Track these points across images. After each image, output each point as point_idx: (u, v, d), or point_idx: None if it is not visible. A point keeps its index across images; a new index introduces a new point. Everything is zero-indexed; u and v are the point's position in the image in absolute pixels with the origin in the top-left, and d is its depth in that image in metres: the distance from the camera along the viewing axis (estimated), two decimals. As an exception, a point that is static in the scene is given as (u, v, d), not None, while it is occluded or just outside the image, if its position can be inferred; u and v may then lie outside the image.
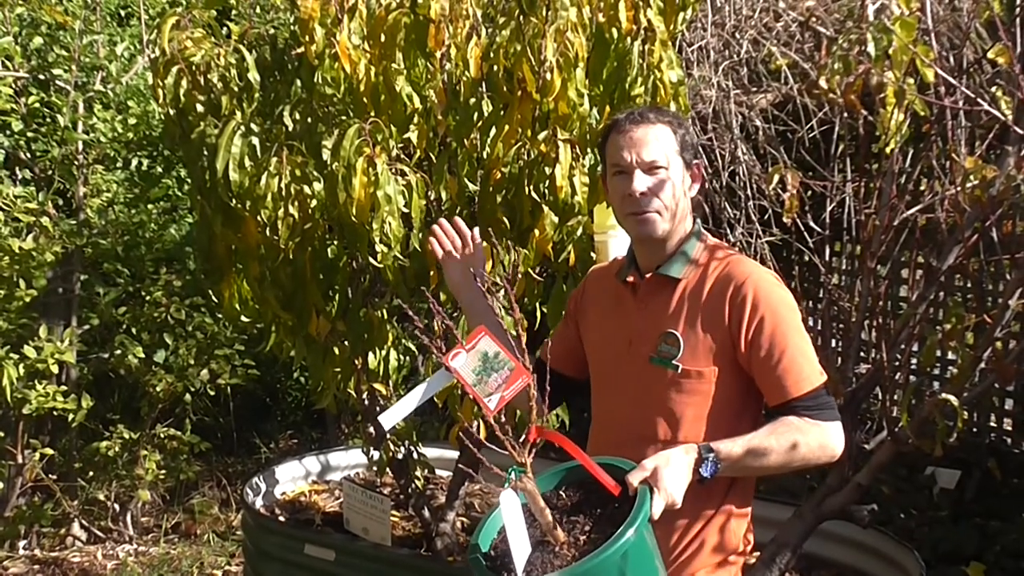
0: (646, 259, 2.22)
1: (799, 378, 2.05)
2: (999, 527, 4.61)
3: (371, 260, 2.83)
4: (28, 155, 5.24)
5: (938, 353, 4.28)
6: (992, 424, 5.55)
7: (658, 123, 2.16)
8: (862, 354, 4.31)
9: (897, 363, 3.29)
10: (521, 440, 1.82)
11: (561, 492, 1.99)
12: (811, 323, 6.26)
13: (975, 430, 5.38)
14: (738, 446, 1.99)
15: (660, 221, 2.15)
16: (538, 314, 3.19)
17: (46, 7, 5.04)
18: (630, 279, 2.24)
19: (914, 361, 4.48)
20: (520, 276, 3.02)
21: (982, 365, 2.82)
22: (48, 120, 5.22)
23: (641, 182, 2.13)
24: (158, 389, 5.04)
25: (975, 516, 4.78)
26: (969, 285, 5.26)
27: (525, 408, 1.90)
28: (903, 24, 2.64)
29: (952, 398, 2.57)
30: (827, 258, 3.90)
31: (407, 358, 3.40)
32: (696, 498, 2.05)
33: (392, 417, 2.07)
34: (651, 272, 2.20)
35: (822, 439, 2.04)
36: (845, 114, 3.80)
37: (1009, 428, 5.51)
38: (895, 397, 3.27)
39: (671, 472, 1.86)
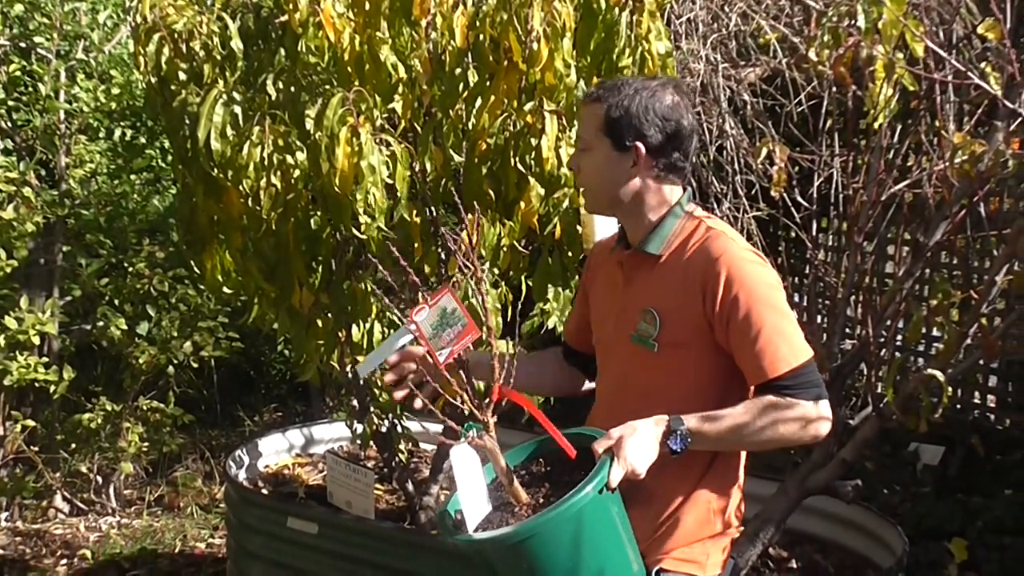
0: (630, 234, 2.21)
1: (775, 358, 2.01)
2: (982, 503, 4.63)
3: (355, 231, 2.81)
4: (9, 124, 5.18)
5: (923, 329, 4.28)
6: (976, 401, 5.58)
7: (594, 102, 2.14)
8: (848, 330, 4.31)
9: (883, 339, 3.28)
10: (485, 401, 1.84)
11: (532, 465, 2.00)
12: (797, 299, 6.28)
13: (959, 407, 5.40)
14: (710, 421, 1.98)
15: (589, 198, 2.20)
16: (523, 287, 3.17)
17: (27, -26, 4.98)
18: (618, 256, 2.22)
19: (900, 337, 4.48)
20: (505, 249, 3.00)
21: (968, 341, 2.81)
22: (30, 89, 5.16)
23: (572, 158, 2.22)
24: (141, 361, 5.00)
25: (958, 492, 4.80)
26: (956, 261, 5.27)
27: (488, 378, 1.94)
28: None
29: (938, 374, 2.57)
30: (814, 234, 3.88)
31: (392, 330, 3.38)
32: (674, 474, 2.05)
33: (366, 367, 2.20)
34: (635, 248, 2.18)
35: (803, 417, 2.00)
36: (833, 88, 3.77)
37: (992, 405, 5.53)
38: (880, 373, 3.26)
39: (635, 442, 1.87)
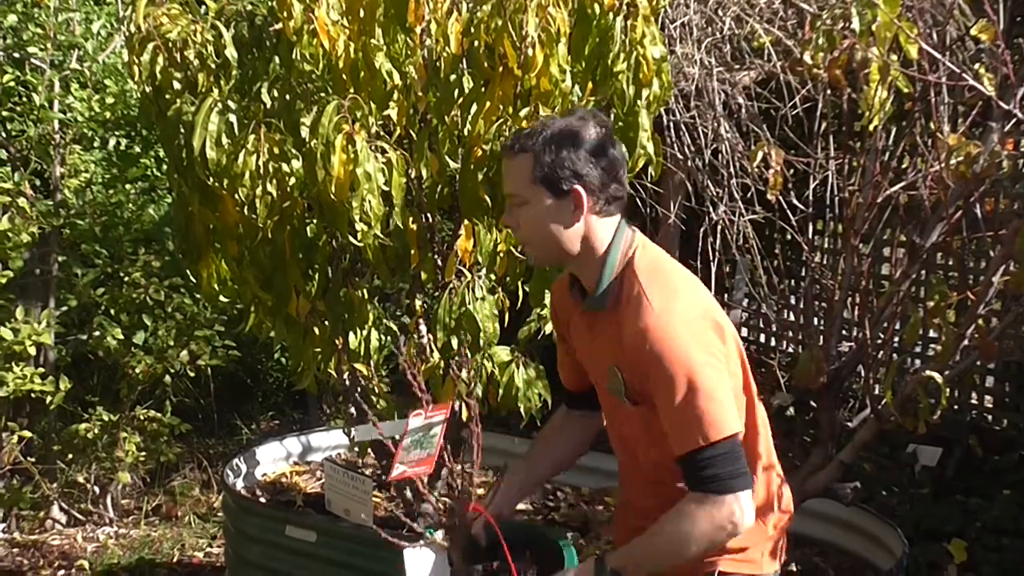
0: (582, 281, 2.15)
1: (680, 437, 1.93)
2: (980, 504, 4.63)
3: (351, 239, 2.80)
4: (4, 135, 5.18)
5: (921, 331, 4.29)
6: (973, 401, 5.58)
7: (518, 153, 2.06)
8: (845, 332, 4.31)
9: (880, 341, 3.28)
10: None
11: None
12: (793, 301, 6.29)
13: (956, 408, 5.40)
14: (626, 555, 1.99)
15: (536, 252, 2.13)
16: (520, 293, 3.17)
17: (20, -16, 4.98)
18: (577, 306, 2.18)
19: (897, 339, 4.49)
20: (502, 255, 3.00)
21: (965, 343, 2.82)
22: (24, 99, 5.15)
23: (508, 216, 2.13)
24: (137, 371, 4.99)
25: (956, 493, 4.80)
26: (952, 263, 5.28)
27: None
28: (887, 1, 2.63)
29: (936, 375, 2.57)
30: (810, 236, 3.89)
31: (388, 338, 3.38)
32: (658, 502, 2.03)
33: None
34: (584, 303, 2.14)
35: (713, 522, 1.91)
36: (828, 91, 3.77)
37: (990, 406, 5.54)
38: (878, 375, 3.27)
39: None
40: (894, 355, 4.30)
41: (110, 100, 5.21)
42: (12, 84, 5.09)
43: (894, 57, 2.74)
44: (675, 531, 1.95)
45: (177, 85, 3.00)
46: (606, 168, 2.05)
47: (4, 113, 5.13)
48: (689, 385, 1.91)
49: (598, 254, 2.08)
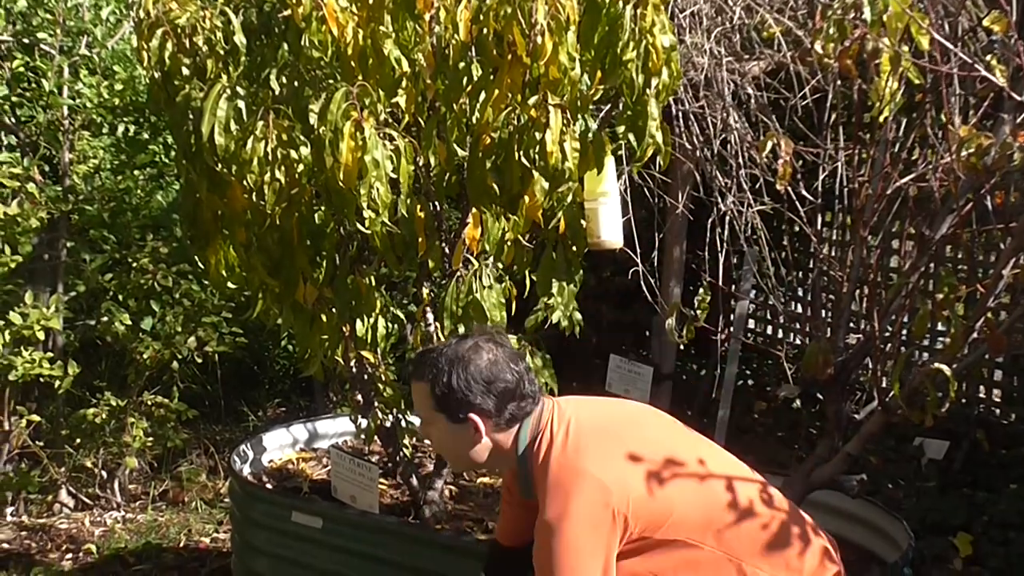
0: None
1: None
2: (987, 498, 4.63)
3: (359, 226, 2.80)
4: (13, 120, 5.18)
5: (929, 324, 4.28)
6: (981, 395, 5.57)
7: (420, 380, 2.23)
8: (852, 324, 4.30)
9: (888, 333, 3.27)
10: None
11: None
12: (801, 294, 6.28)
13: (964, 401, 5.39)
14: None
15: (450, 462, 2.50)
16: (527, 282, 3.16)
17: (30, -31, 4.97)
18: None
19: (905, 332, 4.47)
20: (509, 244, 2.99)
21: (974, 336, 2.80)
22: (33, 85, 5.15)
23: (421, 428, 2.35)
24: (145, 356, 5.00)
25: (963, 487, 4.80)
26: (961, 255, 5.26)
27: None
28: (899, -11, 2.61)
29: (945, 368, 2.56)
30: (818, 228, 3.87)
31: (395, 326, 3.38)
32: None
33: None
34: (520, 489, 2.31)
35: None
36: (838, 82, 3.76)
37: (997, 399, 5.52)
38: (885, 367, 3.26)
39: None
40: (902, 348, 4.29)
41: (119, 86, 5.21)
42: (22, 70, 5.09)
43: (905, 48, 2.73)
44: None
45: (186, 71, 3.00)
46: (500, 394, 2.19)
47: (14, 99, 5.13)
48: (552, 552, 2.03)
49: (512, 457, 2.24)
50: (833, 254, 5.70)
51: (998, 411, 5.47)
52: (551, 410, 2.25)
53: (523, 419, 2.23)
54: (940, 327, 5.21)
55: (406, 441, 3.53)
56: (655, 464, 2.12)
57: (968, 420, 5.15)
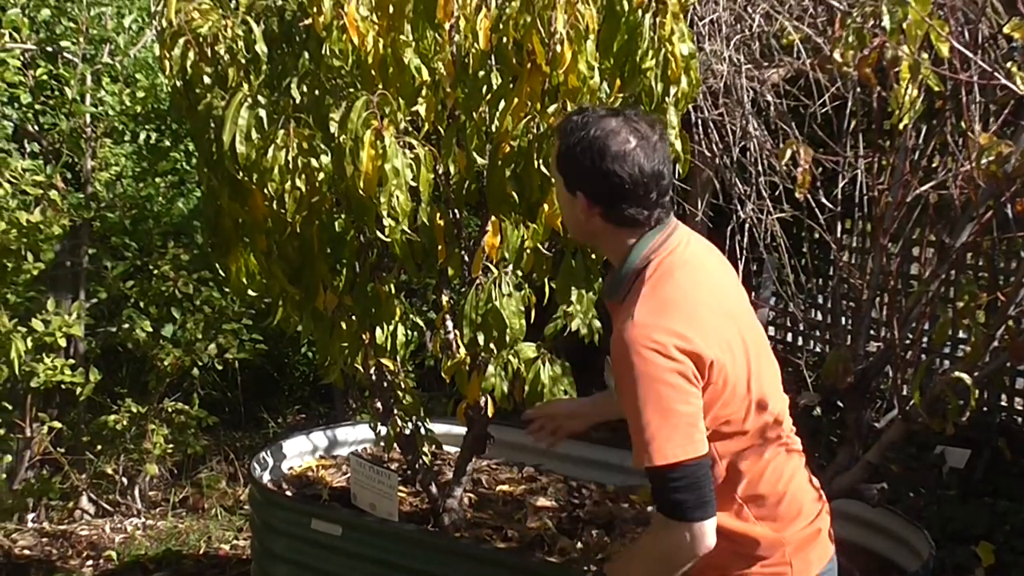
0: (614, 265, 2.18)
1: (636, 452, 1.95)
2: (1008, 506, 4.60)
3: (379, 234, 2.81)
4: (36, 128, 5.23)
5: (950, 331, 4.27)
6: (1002, 403, 5.53)
7: (555, 135, 2.14)
8: (873, 332, 4.29)
9: (909, 341, 3.27)
10: None
11: None
12: (821, 301, 6.25)
13: (985, 409, 5.36)
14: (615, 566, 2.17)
15: (570, 232, 2.23)
16: (547, 290, 3.17)
17: (54, -21, 5.02)
18: None
19: (926, 339, 4.46)
20: (529, 251, 3.00)
21: (995, 344, 2.80)
22: (56, 93, 5.20)
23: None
24: (166, 363, 5.04)
25: (984, 495, 4.77)
26: (982, 263, 5.23)
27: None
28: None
29: (965, 376, 2.55)
30: (838, 235, 3.86)
31: (415, 333, 3.38)
32: None
33: None
34: (606, 284, 2.20)
35: (664, 544, 1.95)
36: (858, 89, 3.75)
37: (1020, 407, 5.49)
38: (906, 375, 3.25)
39: None
40: (923, 355, 4.28)
41: (141, 94, 5.26)
42: (45, 78, 5.13)
43: (925, 55, 2.73)
44: (643, 547, 2.04)
45: (207, 80, 3.01)
46: (614, 190, 2.03)
47: (37, 107, 5.18)
48: (643, 402, 1.91)
49: (620, 250, 2.10)
50: (853, 261, 5.69)
51: (1020, 419, 5.44)
52: (674, 247, 2.08)
53: (639, 231, 2.08)
54: (961, 334, 5.19)
55: (425, 449, 3.53)
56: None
57: (990, 428, 5.12)
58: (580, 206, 2.08)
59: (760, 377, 2.08)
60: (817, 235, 4.01)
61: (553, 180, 2.14)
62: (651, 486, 1.95)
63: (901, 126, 2.81)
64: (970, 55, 2.66)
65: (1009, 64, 2.90)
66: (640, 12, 2.78)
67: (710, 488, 1.94)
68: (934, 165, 3.51)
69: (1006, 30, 2.79)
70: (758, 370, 2.07)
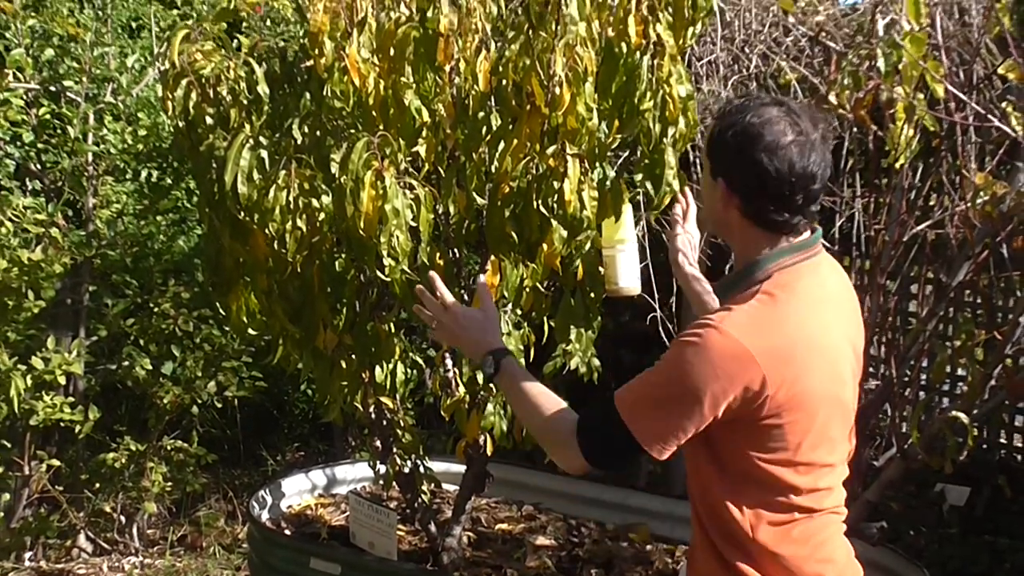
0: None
1: (622, 393, 1.95)
2: (1009, 544, 4.59)
3: (379, 273, 2.83)
4: (38, 166, 5.25)
5: (948, 368, 4.27)
6: (1002, 440, 5.53)
7: (714, 117, 1.99)
8: (872, 369, 4.29)
9: (907, 379, 3.28)
10: None
11: None
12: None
13: (985, 447, 5.36)
14: (522, 376, 2.12)
15: (704, 216, 2.07)
16: (546, 328, 3.18)
17: (58, 19, 5.06)
18: None
19: (924, 377, 4.46)
20: (528, 290, 3.01)
21: (992, 382, 2.81)
22: (59, 131, 5.23)
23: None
24: (165, 401, 5.03)
25: (985, 533, 4.76)
26: (979, 301, 5.24)
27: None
28: (913, 40, 2.65)
29: (962, 415, 2.56)
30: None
31: (414, 371, 3.39)
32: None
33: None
34: (720, 281, 2.11)
35: (552, 438, 2.04)
36: (854, 129, 3.78)
37: (1020, 445, 5.48)
38: (904, 413, 3.26)
39: (452, 331, 2.25)
40: (921, 393, 4.28)
41: (142, 132, 5.28)
42: (48, 117, 5.17)
43: (921, 96, 2.76)
44: (543, 417, 2.06)
45: (210, 120, 3.04)
46: (759, 184, 1.88)
47: (39, 145, 5.21)
48: (661, 378, 1.91)
49: (749, 254, 1.97)
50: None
51: (1020, 456, 5.43)
52: (804, 274, 1.95)
53: (775, 239, 1.94)
54: (960, 372, 5.20)
55: (424, 487, 3.53)
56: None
57: (990, 466, 5.11)
58: (720, 193, 1.94)
59: (821, 440, 1.95)
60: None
61: (701, 166, 1.99)
62: (600, 407, 1.97)
63: (897, 165, 2.83)
64: (964, 98, 2.69)
65: (1004, 104, 2.93)
66: (638, 54, 2.81)
67: (614, 457, 1.98)
68: (931, 204, 3.53)
69: (1000, 71, 2.82)
70: (823, 430, 1.94)
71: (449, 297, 2.28)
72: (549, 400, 2.07)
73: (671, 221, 2.62)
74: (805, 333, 1.89)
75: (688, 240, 2.58)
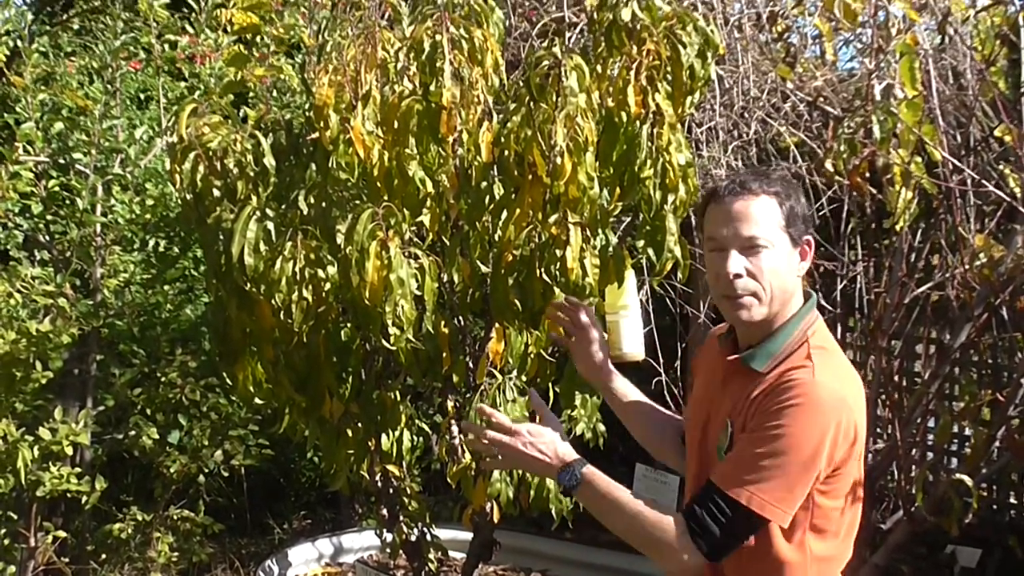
0: (742, 336, 2.04)
1: (724, 472, 1.88)
2: (1021, 606, 4.54)
3: (384, 342, 2.85)
4: (47, 237, 5.29)
5: (955, 428, 4.26)
6: (1012, 501, 5.49)
7: (762, 195, 1.94)
8: (878, 430, 4.28)
9: (912, 440, 3.27)
10: None
11: None
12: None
13: (995, 507, 5.32)
14: (606, 484, 1.97)
15: (756, 306, 1.94)
16: (551, 394, 3.19)
17: (68, 92, 5.13)
18: (725, 351, 2.07)
19: (930, 437, 4.45)
20: (532, 357, 3.03)
21: (997, 443, 2.81)
22: (67, 203, 5.27)
23: (737, 263, 1.94)
24: (172, 470, 5.02)
25: (997, 595, 4.71)
26: (983, 360, 5.24)
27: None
28: (909, 106, 2.69)
29: (966, 478, 2.56)
30: (840, 334, 3.89)
31: (420, 439, 3.40)
32: None
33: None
34: (741, 352, 2.02)
35: (663, 547, 1.89)
36: (854, 193, 3.82)
37: (1029, 505, 5.44)
38: (911, 474, 3.25)
39: (521, 455, 2.05)
40: (927, 454, 4.27)
41: (150, 202, 5.33)
42: (57, 189, 5.22)
43: (918, 159, 2.80)
44: (644, 523, 1.91)
45: (217, 193, 3.09)
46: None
47: (48, 216, 5.25)
48: (781, 447, 1.83)
49: (782, 317, 1.99)
50: (856, 359, 5.70)
51: (1030, 517, 5.39)
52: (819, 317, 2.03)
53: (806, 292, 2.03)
54: (967, 431, 5.18)
55: (431, 555, 3.52)
56: None
57: (1000, 527, 5.07)
58: (797, 259, 1.99)
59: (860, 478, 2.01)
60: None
61: (759, 249, 1.94)
62: (702, 496, 1.89)
63: (898, 228, 2.86)
64: (959, 164, 2.73)
65: (1001, 166, 2.97)
66: (638, 123, 2.86)
67: (739, 545, 1.89)
68: (932, 264, 3.55)
69: (997, 133, 2.86)
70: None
71: (508, 421, 2.14)
72: (641, 505, 1.95)
73: (578, 330, 2.47)
74: (858, 383, 1.96)
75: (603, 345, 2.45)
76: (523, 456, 2.08)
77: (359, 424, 3.22)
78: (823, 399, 1.84)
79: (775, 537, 1.91)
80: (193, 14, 5.46)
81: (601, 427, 3.27)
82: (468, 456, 3.23)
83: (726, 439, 1.96)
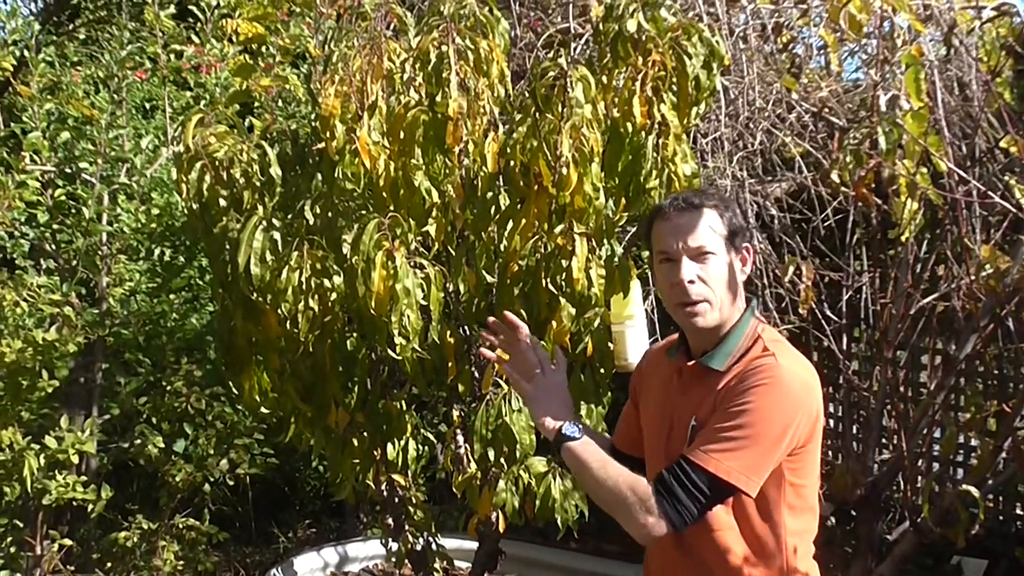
0: (695, 343, 2.14)
1: (706, 449, 1.95)
2: (1028, 618, 4.53)
3: (390, 352, 2.85)
4: (53, 246, 5.30)
5: (961, 439, 4.25)
6: (1018, 512, 5.47)
7: (704, 207, 2.08)
8: (884, 440, 4.28)
9: (918, 451, 3.27)
10: None
11: None
12: (832, 409, 6.24)
13: (1001, 519, 5.31)
14: (591, 449, 2.03)
15: (709, 311, 2.06)
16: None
17: (74, 102, 5.15)
18: (678, 363, 2.17)
19: (936, 448, 4.45)
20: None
21: (1003, 454, 2.80)
22: (73, 212, 5.29)
23: (689, 270, 2.05)
24: (177, 479, 5.03)
25: (1003, 606, 4.69)
26: (989, 371, 5.23)
27: None
28: (915, 117, 2.69)
29: (973, 489, 2.56)
30: (845, 345, 3.88)
31: (426, 448, 3.40)
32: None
33: None
34: (696, 358, 2.11)
35: (634, 514, 1.95)
36: (859, 203, 3.82)
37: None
38: (917, 486, 3.24)
39: (538, 402, 2.14)
40: (933, 464, 4.27)
41: (156, 211, 5.34)
42: (63, 198, 5.23)
43: (924, 170, 2.80)
44: (618, 485, 1.98)
45: (223, 202, 3.10)
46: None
47: (55, 226, 5.26)
48: (750, 421, 1.94)
49: (731, 320, 2.11)
50: (862, 370, 5.69)
51: (1036, 528, 5.37)
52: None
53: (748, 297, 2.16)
54: (973, 442, 5.17)
55: (436, 565, 3.52)
56: None
57: (1006, 538, 5.06)
58: (739, 266, 2.13)
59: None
60: (825, 343, 4.03)
61: (705, 257, 2.07)
62: (672, 469, 1.96)
63: (903, 239, 2.86)
64: (965, 175, 2.73)
65: (1007, 177, 2.97)
66: (643, 134, 2.87)
67: (704, 515, 1.98)
68: (938, 275, 3.55)
69: (1002, 144, 2.86)
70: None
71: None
72: (620, 467, 2.04)
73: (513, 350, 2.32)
74: (813, 370, 2.08)
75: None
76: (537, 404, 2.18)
77: (364, 433, 3.22)
78: (789, 380, 1.98)
79: (753, 516, 2.04)
80: (199, 24, 5.47)
81: (606, 436, 3.27)
82: (473, 466, 3.23)
83: (694, 435, 2.04)
